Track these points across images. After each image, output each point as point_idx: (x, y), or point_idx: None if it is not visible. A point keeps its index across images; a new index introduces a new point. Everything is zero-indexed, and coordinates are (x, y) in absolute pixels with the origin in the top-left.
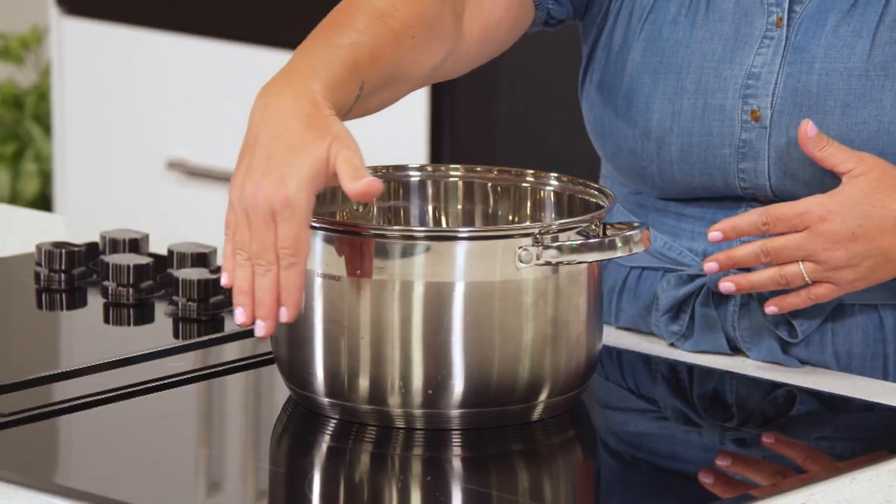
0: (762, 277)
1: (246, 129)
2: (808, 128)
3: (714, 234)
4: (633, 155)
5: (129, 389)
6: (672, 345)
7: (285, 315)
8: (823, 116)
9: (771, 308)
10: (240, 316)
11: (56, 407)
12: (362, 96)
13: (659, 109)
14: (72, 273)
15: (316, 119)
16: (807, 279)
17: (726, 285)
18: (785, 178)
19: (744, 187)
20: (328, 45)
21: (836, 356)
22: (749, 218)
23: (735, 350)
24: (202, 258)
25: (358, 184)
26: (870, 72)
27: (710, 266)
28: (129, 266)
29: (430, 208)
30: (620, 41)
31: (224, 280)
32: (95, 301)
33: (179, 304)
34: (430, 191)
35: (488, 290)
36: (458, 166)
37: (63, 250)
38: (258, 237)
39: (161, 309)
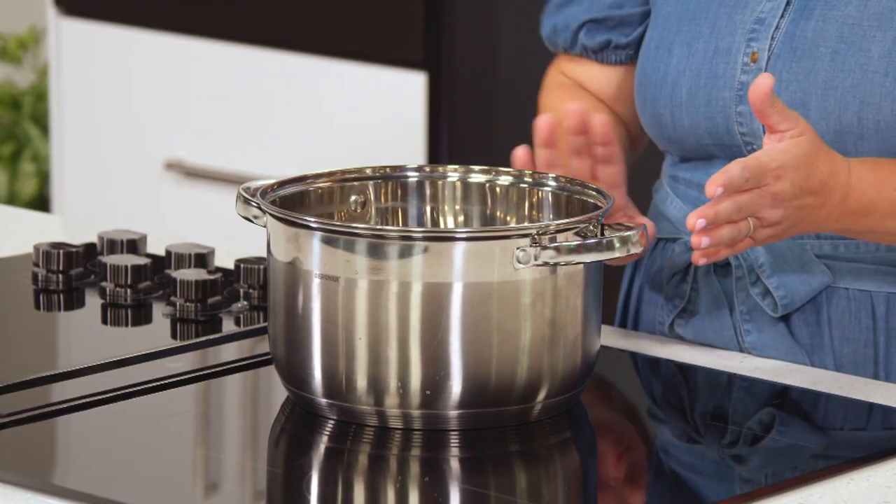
0: (724, 235)
1: None
2: (769, 81)
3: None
4: (654, 103)
5: (127, 390)
6: (672, 327)
7: None
8: (814, 62)
9: (703, 260)
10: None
11: (54, 407)
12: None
13: (678, 53)
14: (70, 274)
15: None
16: (750, 235)
17: (703, 260)
18: None
19: (742, 132)
20: None
21: (831, 339)
22: (738, 174)
23: (738, 345)
24: (200, 259)
25: None
26: (863, 21)
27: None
28: (126, 266)
29: (427, 209)
30: None
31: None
32: (93, 302)
33: (177, 304)
34: (427, 191)
35: (486, 290)
36: (455, 167)
37: (61, 251)
38: None
39: (159, 309)
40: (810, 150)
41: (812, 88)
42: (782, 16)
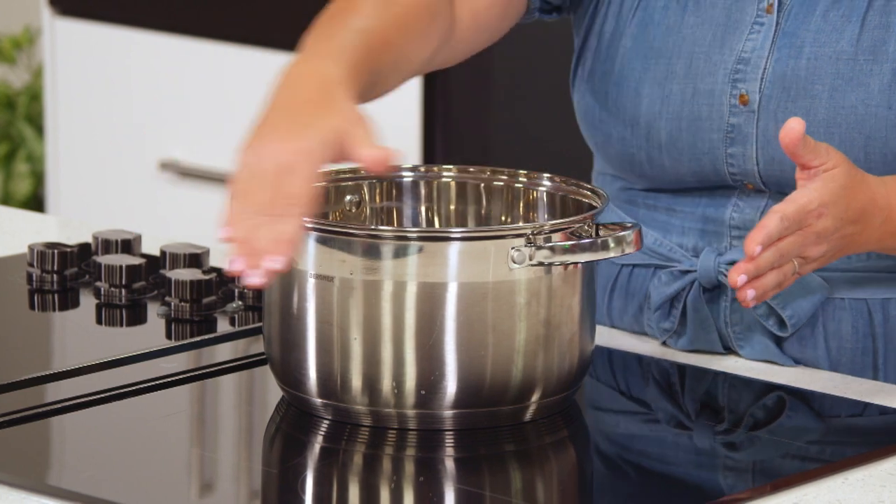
0: (769, 282)
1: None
2: (800, 126)
3: (752, 247)
4: (622, 142)
5: (122, 390)
6: (665, 343)
7: (279, 264)
8: (811, 101)
9: (752, 303)
10: (236, 264)
11: (48, 408)
12: (372, 83)
13: (648, 94)
14: (64, 274)
15: (332, 99)
16: (796, 274)
17: (752, 303)
18: (773, 163)
19: (732, 173)
20: (343, 30)
21: (827, 351)
22: (776, 227)
23: (728, 349)
24: (195, 259)
25: (371, 151)
26: (858, 56)
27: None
28: (121, 267)
29: (422, 209)
30: (612, 29)
31: (224, 233)
32: (88, 302)
33: (172, 304)
34: (422, 191)
35: (481, 290)
36: (450, 167)
37: (55, 251)
38: (261, 192)
39: (153, 309)
40: (846, 181)
41: (813, 127)
42: (768, 55)
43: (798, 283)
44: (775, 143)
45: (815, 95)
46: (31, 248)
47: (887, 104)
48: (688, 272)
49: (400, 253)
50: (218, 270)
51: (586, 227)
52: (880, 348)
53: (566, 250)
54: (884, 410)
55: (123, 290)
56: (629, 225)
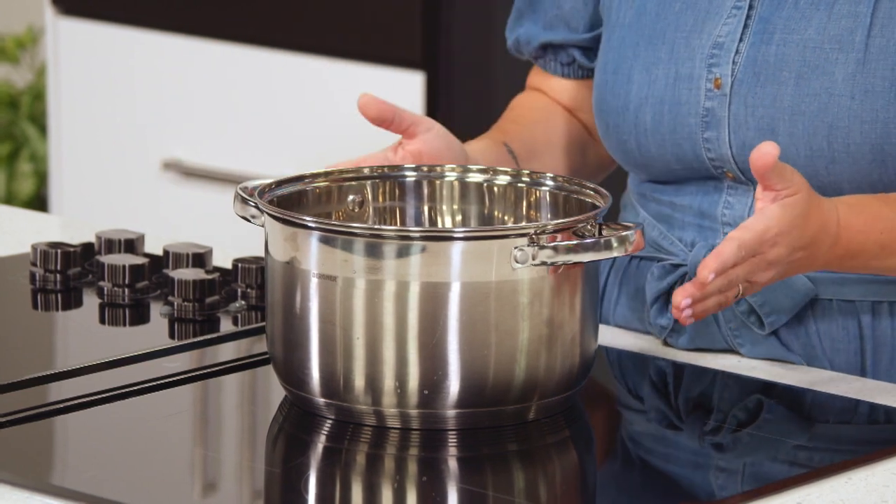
0: (710, 305)
1: None
2: (776, 152)
3: (705, 275)
4: (617, 130)
5: (125, 390)
6: (666, 343)
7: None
8: (779, 87)
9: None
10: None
11: (51, 407)
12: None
13: (638, 80)
14: (67, 273)
15: None
16: (739, 296)
17: (685, 319)
18: (744, 148)
19: (711, 159)
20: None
21: (823, 351)
22: (733, 256)
23: (730, 348)
24: (198, 258)
25: None
26: (824, 44)
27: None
28: (124, 266)
29: (425, 208)
30: (615, 20)
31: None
32: (91, 301)
33: (175, 304)
34: (425, 191)
35: (484, 290)
36: (453, 166)
37: (59, 250)
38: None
39: (156, 309)
40: (804, 209)
41: (779, 114)
42: (741, 39)
43: (782, 283)
44: (745, 128)
45: (783, 82)
46: (34, 247)
47: (850, 94)
48: (680, 266)
49: (403, 253)
50: (221, 270)
51: (589, 227)
52: (868, 350)
53: (569, 250)
54: (887, 410)
55: (126, 290)
56: (632, 225)
